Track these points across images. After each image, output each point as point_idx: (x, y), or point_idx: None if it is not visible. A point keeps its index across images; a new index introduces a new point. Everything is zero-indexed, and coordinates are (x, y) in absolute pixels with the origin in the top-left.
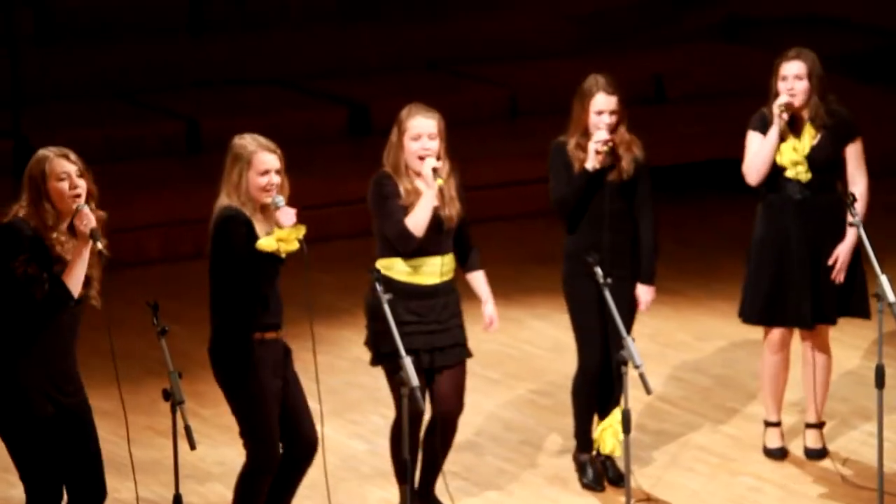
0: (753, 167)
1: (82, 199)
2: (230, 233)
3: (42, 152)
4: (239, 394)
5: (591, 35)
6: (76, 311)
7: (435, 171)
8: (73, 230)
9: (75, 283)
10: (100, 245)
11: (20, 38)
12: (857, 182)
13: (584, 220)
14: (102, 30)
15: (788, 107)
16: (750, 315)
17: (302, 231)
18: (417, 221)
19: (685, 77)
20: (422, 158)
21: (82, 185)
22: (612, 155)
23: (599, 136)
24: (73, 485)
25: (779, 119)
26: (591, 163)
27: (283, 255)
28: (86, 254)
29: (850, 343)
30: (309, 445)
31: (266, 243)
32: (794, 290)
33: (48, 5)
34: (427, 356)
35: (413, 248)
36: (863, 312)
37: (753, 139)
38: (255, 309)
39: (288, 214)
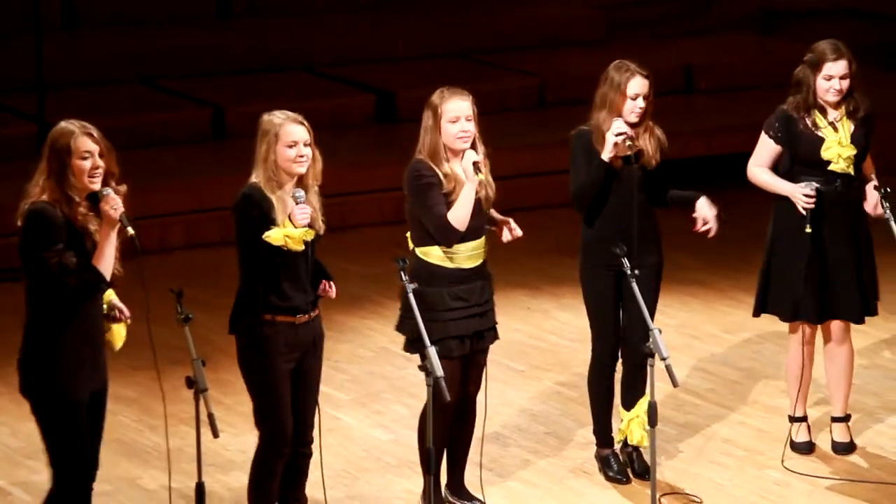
0: (758, 185)
1: (99, 183)
2: (242, 212)
3: (66, 125)
4: (251, 374)
5: (621, 24)
6: (98, 297)
7: (476, 164)
8: (94, 207)
9: (106, 266)
10: (130, 230)
11: (46, 22)
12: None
13: (609, 209)
14: (128, 15)
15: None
16: (785, 312)
17: (310, 235)
18: (459, 216)
19: (715, 68)
20: (460, 139)
21: (102, 166)
22: (633, 146)
23: (618, 126)
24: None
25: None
26: (607, 153)
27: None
28: (114, 236)
29: (879, 337)
30: (298, 442)
31: (273, 235)
32: (821, 284)
33: None
34: (469, 341)
35: (454, 242)
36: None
37: (765, 146)
38: (263, 290)
39: (302, 214)
